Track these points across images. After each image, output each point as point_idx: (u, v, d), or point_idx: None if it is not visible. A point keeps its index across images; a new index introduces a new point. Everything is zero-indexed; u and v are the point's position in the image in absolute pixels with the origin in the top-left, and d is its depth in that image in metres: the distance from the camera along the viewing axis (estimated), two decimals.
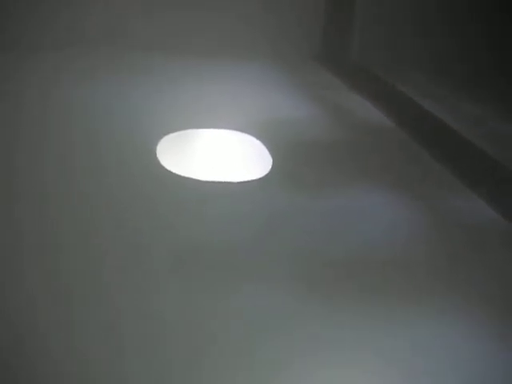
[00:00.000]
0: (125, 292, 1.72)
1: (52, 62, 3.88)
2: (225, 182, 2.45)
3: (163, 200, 2.27)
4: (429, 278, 1.91)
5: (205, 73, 3.94)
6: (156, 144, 2.77)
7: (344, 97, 3.72)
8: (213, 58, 4.29)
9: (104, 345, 1.50)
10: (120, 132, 2.88)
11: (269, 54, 4.45)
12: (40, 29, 4.07)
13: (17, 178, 2.35)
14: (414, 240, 2.14)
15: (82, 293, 1.70)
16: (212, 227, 2.11)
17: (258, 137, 2.95)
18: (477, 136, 3.16)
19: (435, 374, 1.50)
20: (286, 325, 1.64)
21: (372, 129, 3.21)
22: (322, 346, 1.57)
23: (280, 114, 3.31)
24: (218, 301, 1.72)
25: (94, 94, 3.37)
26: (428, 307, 1.77)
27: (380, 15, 4.14)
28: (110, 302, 1.67)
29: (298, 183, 2.50)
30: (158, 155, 2.65)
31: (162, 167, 2.54)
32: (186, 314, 1.65)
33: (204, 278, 1.82)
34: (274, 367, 1.48)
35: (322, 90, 3.80)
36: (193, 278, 1.81)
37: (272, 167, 2.63)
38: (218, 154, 2.72)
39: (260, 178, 2.52)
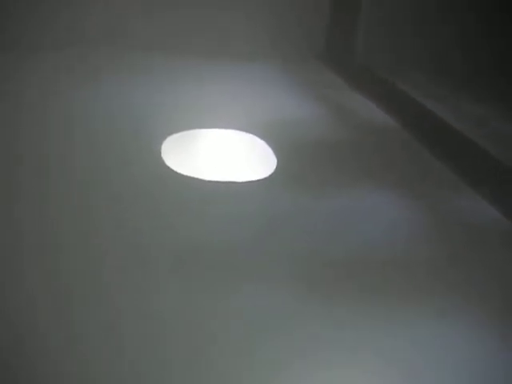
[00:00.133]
0: (125, 292, 1.72)
1: (52, 62, 3.88)
2: (229, 182, 2.45)
3: (167, 200, 2.27)
4: (429, 278, 1.91)
5: (207, 73, 3.94)
6: (160, 144, 2.77)
7: (347, 97, 3.72)
8: (214, 58, 4.29)
9: (104, 345, 1.50)
10: (123, 132, 2.88)
11: (270, 54, 4.45)
12: (40, 29, 4.07)
13: (17, 178, 2.35)
14: (414, 240, 2.14)
15: (82, 293, 1.70)
16: (215, 227, 2.11)
17: (262, 137, 2.95)
18: (479, 136, 3.16)
19: (435, 374, 1.50)
20: (286, 325, 1.64)
21: (375, 129, 3.21)
22: (321, 346, 1.57)
23: (283, 113, 3.31)
24: (218, 301, 1.72)
25: (94, 94, 3.37)
26: (428, 307, 1.77)
27: (382, 16, 4.14)
28: (110, 302, 1.67)
29: (301, 183, 2.50)
30: (162, 155, 2.65)
31: (167, 167, 2.54)
32: (186, 314, 1.65)
33: (205, 277, 1.82)
34: (274, 367, 1.48)
35: (325, 90, 3.81)
36: (194, 278, 1.81)
37: (276, 167, 2.63)
38: (222, 153, 2.72)
39: (264, 178, 2.52)
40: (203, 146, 2.80)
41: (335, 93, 3.79)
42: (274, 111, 3.34)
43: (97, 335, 1.53)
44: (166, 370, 1.44)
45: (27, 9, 3.99)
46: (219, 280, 1.81)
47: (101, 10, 4.12)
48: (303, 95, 3.67)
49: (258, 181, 2.50)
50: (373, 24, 4.16)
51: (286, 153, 2.80)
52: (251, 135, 2.97)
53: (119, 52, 4.22)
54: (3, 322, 1.55)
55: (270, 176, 2.55)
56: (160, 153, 2.68)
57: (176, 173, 2.50)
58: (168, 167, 2.54)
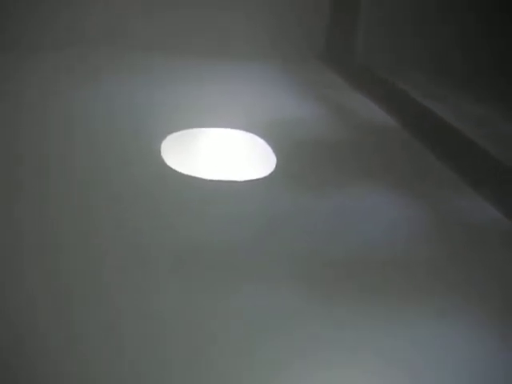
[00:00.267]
0: (125, 292, 1.72)
1: (52, 62, 3.88)
2: (229, 181, 2.45)
3: (167, 199, 2.27)
4: (429, 278, 1.91)
5: (207, 73, 3.94)
6: (160, 143, 2.77)
7: (347, 96, 3.73)
8: (214, 58, 4.29)
9: (104, 345, 1.50)
10: (123, 132, 2.88)
11: (270, 54, 4.45)
12: (40, 29, 4.07)
13: (17, 178, 2.35)
14: (414, 240, 2.14)
15: (82, 293, 1.70)
16: (215, 226, 2.11)
17: (262, 136, 2.96)
18: (479, 135, 3.16)
19: (435, 374, 1.50)
20: (286, 325, 1.64)
21: (375, 129, 3.21)
22: (321, 346, 1.57)
23: (283, 113, 3.31)
24: (218, 301, 1.72)
25: (94, 94, 3.37)
26: (428, 307, 1.77)
27: (382, 16, 4.14)
28: (110, 302, 1.67)
29: (301, 182, 2.50)
30: (162, 154, 2.65)
31: (167, 166, 2.54)
32: (186, 314, 1.65)
33: (205, 277, 1.82)
34: (274, 367, 1.48)
35: (325, 90, 3.81)
36: (194, 277, 1.81)
37: (276, 166, 2.63)
38: (221, 153, 2.72)
39: (264, 177, 2.52)
40: (203, 145, 2.80)
41: (335, 92, 3.79)
42: (274, 111, 3.34)
43: (97, 335, 1.53)
44: (166, 369, 1.44)
45: (27, 9, 3.99)
46: (219, 280, 1.81)
47: (101, 10, 4.12)
48: (303, 95, 3.67)
49: (258, 180, 2.50)
50: (373, 24, 4.16)
51: (286, 152, 2.80)
52: (251, 134, 2.97)
53: (119, 52, 4.22)
54: (3, 322, 1.55)
55: (270, 175, 2.55)
56: (160, 152, 2.68)
57: (176, 172, 2.50)
58: (168, 166, 2.54)
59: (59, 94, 3.33)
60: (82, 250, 1.91)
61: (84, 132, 2.84)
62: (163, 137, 2.85)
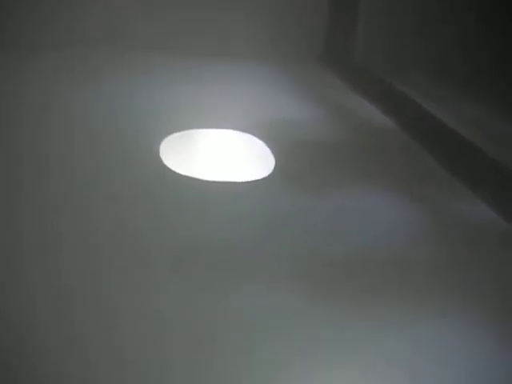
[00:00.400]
0: (125, 292, 1.72)
1: (52, 62, 3.88)
2: (227, 182, 2.45)
3: (166, 200, 2.27)
4: (428, 279, 1.91)
5: (206, 73, 3.94)
6: (159, 144, 2.77)
7: (346, 97, 3.73)
8: (213, 59, 4.29)
9: (104, 345, 1.50)
10: (122, 132, 2.88)
11: (270, 54, 4.45)
12: (40, 29, 4.07)
13: (17, 178, 2.35)
14: (413, 241, 2.14)
15: (82, 293, 1.70)
16: (214, 227, 2.11)
17: (261, 137, 2.96)
18: (477, 137, 3.16)
19: (435, 374, 1.50)
20: (286, 325, 1.64)
21: (374, 130, 3.21)
22: (321, 345, 1.57)
23: (282, 114, 3.31)
24: (218, 301, 1.72)
25: (94, 94, 3.37)
26: (428, 307, 1.77)
27: (382, 16, 4.14)
28: (111, 302, 1.67)
29: (299, 184, 2.51)
30: (161, 155, 2.65)
31: (165, 167, 2.54)
32: (186, 314, 1.65)
33: (204, 277, 1.82)
34: (274, 367, 1.48)
35: (324, 91, 3.81)
36: (194, 277, 1.81)
37: (274, 167, 2.63)
38: (220, 154, 2.72)
39: (262, 178, 2.53)
40: (202, 145, 2.80)
41: (334, 93, 3.79)
42: (273, 111, 3.34)
43: (97, 335, 1.53)
44: (166, 369, 1.44)
45: (27, 9, 3.99)
46: (219, 280, 1.81)
47: (101, 9, 4.12)
48: (302, 96, 3.67)
49: (257, 181, 2.50)
50: (372, 24, 4.16)
51: (285, 153, 2.80)
52: (250, 135, 2.97)
53: (119, 52, 4.22)
54: (3, 322, 1.55)
55: (269, 176, 2.55)
56: (159, 153, 2.68)
57: (175, 173, 2.50)
58: (167, 167, 2.54)
59: (59, 93, 3.33)
60: (81, 249, 1.91)
61: (84, 132, 2.84)
62: (162, 137, 2.85)
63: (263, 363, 1.49)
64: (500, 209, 2.40)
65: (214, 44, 4.36)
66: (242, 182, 2.47)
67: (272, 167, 2.64)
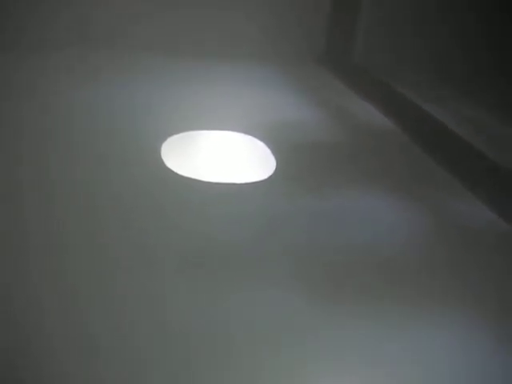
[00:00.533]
0: (131, 292, 1.72)
1: (52, 62, 3.88)
2: (229, 184, 2.46)
3: (168, 201, 2.27)
4: (427, 280, 1.92)
5: (206, 74, 3.94)
6: (160, 145, 2.77)
7: (346, 99, 3.72)
8: (214, 59, 4.29)
9: (110, 345, 1.50)
10: (123, 133, 2.88)
11: (270, 55, 4.45)
12: (40, 29, 4.07)
13: (21, 179, 2.35)
14: (413, 242, 2.14)
15: (88, 293, 1.70)
16: (215, 228, 2.11)
17: (262, 138, 2.96)
18: (477, 138, 3.16)
19: (433, 375, 1.50)
20: (286, 324, 1.64)
21: (374, 131, 3.21)
22: (321, 345, 1.57)
23: (283, 115, 3.31)
24: (220, 300, 1.72)
25: (94, 95, 3.37)
26: (427, 308, 1.77)
27: (382, 16, 4.14)
28: (116, 303, 1.67)
29: (300, 185, 2.51)
30: (162, 156, 2.65)
31: (167, 168, 2.54)
32: (191, 314, 1.65)
33: (208, 278, 1.82)
34: (274, 367, 1.48)
35: (324, 92, 3.80)
36: (197, 278, 1.82)
37: (275, 169, 2.64)
38: (221, 155, 2.72)
39: (263, 180, 2.53)
40: (203, 147, 2.80)
41: (335, 95, 3.79)
42: (274, 113, 3.34)
43: (102, 335, 1.53)
44: (172, 369, 1.44)
45: (27, 9, 3.99)
46: (221, 280, 1.81)
47: (101, 10, 4.12)
48: (303, 97, 3.67)
49: (258, 182, 2.50)
50: (372, 24, 4.16)
51: (285, 155, 2.80)
52: (250, 137, 2.97)
53: (119, 52, 4.21)
54: (9, 323, 1.56)
55: (270, 177, 2.55)
56: (160, 154, 2.68)
57: (176, 174, 2.50)
58: (168, 168, 2.54)
59: (59, 93, 3.33)
60: (87, 250, 1.91)
61: (84, 133, 2.84)
62: (163, 139, 2.85)
63: (263, 363, 1.49)
64: (500, 210, 2.41)
65: (214, 44, 4.36)
66: (244, 183, 2.47)
67: (273, 168, 2.64)
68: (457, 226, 2.28)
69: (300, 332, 1.62)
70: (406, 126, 3.26)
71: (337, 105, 3.58)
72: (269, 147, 2.86)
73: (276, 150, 2.83)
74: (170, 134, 2.91)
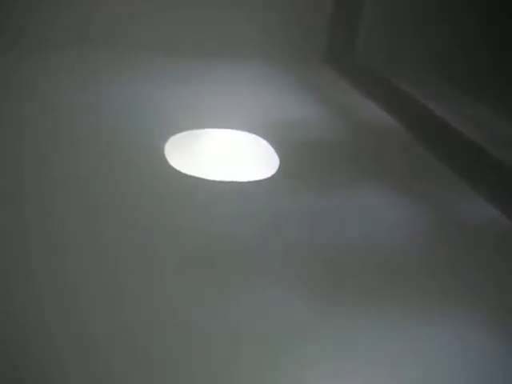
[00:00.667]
0: (131, 292, 1.71)
1: (52, 62, 3.87)
2: (232, 182, 2.45)
3: (171, 199, 2.27)
4: (428, 279, 1.91)
5: (208, 73, 3.93)
6: (164, 144, 2.76)
7: (349, 98, 3.73)
8: (215, 59, 4.29)
9: (111, 345, 1.49)
10: (126, 133, 2.87)
11: (271, 54, 4.45)
12: (40, 29, 4.06)
13: (21, 179, 2.34)
14: (414, 240, 2.14)
15: (89, 293, 1.69)
16: (219, 226, 2.11)
17: (265, 137, 2.96)
18: (478, 136, 3.16)
19: (433, 375, 1.50)
20: (286, 324, 1.63)
21: (376, 130, 3.21)
22: (321, 345, 1.56)
23: (286, 114, 3.31)
24: (221, 300, 1.71)
25: (95, 95, 3.36)
26: (428, 307, 1.77)
27: (382, 16, 4.15)
28: (117, 302, 1.66)
29: (303, 183, 2.50)
30: (165, 155, 2.65)
31: (170, 167, 2.54)
32: (192, 314, 1.64)
33: (210, 277, 1.81)
34: (274, 367, 1.47)
35: (327, 91, 3.81)
36: (199, 277, 1.81)
37: (279, 167, 2.63)
38: (225, 153, 2.71)
39: (267, 178, 2.52)
40: (206, 145, 2.79)
41: (337, 93, 3.79)
42: (277, 111, 3.34)
43: (103, 335, 1.53)
44: (173, 368, 1.43)
45: (27, 9, 3.98)
46: (223, 279, 1.81)
47: (101, 10, 4.11)
48: (305, 95, 3.67)
49: (261, 180, 2.50)
50: (372, 24, 4.16)
51: (289, 153, 2.80)
52: (254, 135, 2.97)
53: (119, 52, 4.21)
54: (10, 323, 1.55)
55: (273, 176, 2.55)
56: (163, 153, 2.67)
57: (180, 172, 2.49)
58: (172, 167, 2.54)
59: (59, 94, 3.32)
60: (88, 250, 1.90)
61: (86, 133, 2.83)
62: (167, 138, 2.84)
63: (263, 363, 1.48)
64: (502, 207, 2.41)
65: (214, 44, 4.35)
66: (247, 182, 2.47)
67: (276, 167, 2.64)
68: (458, 223, 2.28)
69: (300, 331, 1.61)
70: (408, 123, 3.26)
71: (339, 103, 3.58)
72: (272, 146, 2.86)
73: (279, 149, 2.83)
74: (173, 133, 2.90)
